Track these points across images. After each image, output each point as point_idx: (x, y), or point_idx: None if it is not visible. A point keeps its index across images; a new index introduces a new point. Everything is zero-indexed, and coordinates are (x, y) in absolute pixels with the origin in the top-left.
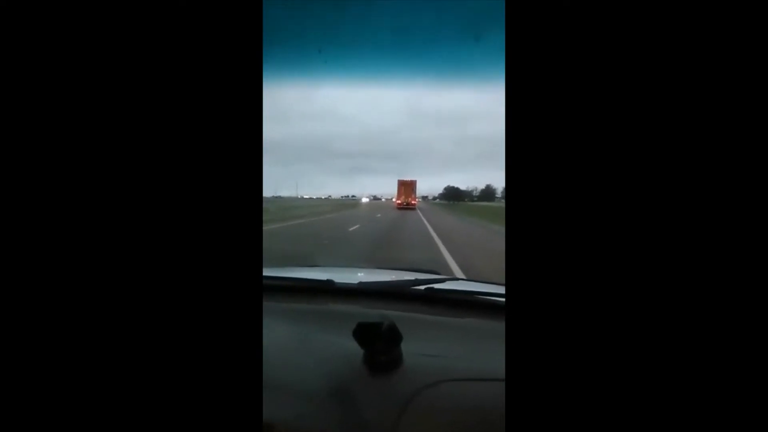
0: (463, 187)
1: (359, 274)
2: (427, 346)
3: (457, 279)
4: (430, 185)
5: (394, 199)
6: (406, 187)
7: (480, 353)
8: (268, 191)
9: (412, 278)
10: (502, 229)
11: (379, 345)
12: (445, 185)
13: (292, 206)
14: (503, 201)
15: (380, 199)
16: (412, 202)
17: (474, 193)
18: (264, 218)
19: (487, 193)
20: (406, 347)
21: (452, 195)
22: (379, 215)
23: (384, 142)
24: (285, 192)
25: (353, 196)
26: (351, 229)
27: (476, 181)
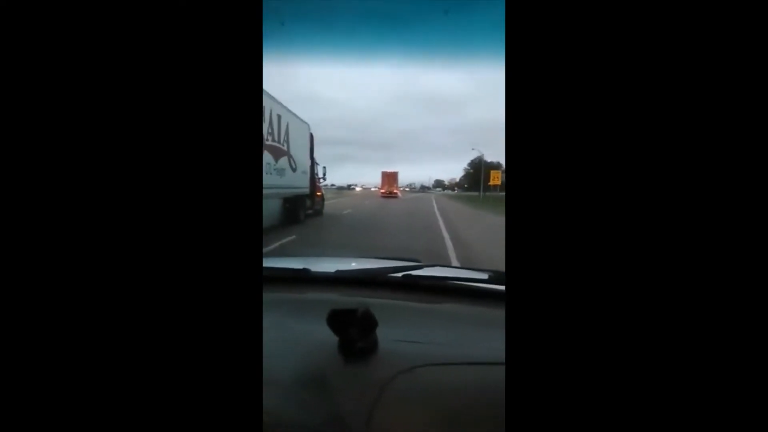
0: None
1: (337, 263)
2: (404, 332)
3: (435, 266)
4: (433, 171)
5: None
6: (390, 178)
7: (457, 338)
8: None
9: (390, 266)
10: None
11: (354, 331)
12: (471, 160)
13: None
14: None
15: (355, 188)
16: (395, 191)
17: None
18: None
19: None
20: (383, 334)
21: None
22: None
23: (368, 129)
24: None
25: (332, 185)
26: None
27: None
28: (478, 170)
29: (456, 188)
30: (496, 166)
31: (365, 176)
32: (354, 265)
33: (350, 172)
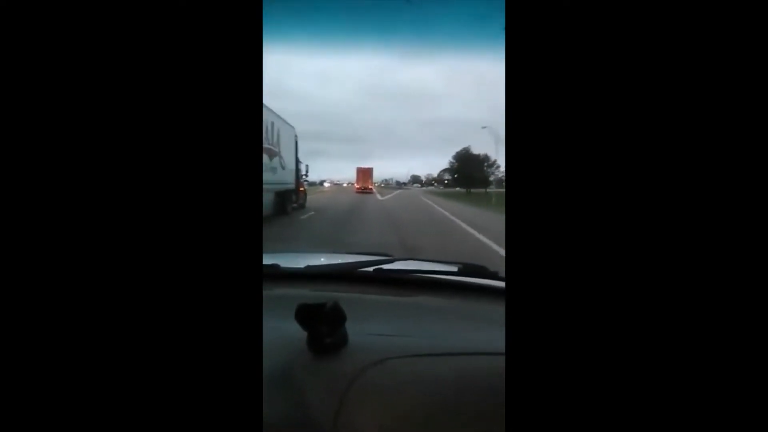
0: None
1: (307, 259)
2: (375, 326)
3: (407, 259)
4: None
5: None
6: (364, 174)
7: (429, 330)
8: None
9: (361, 260)
10: None
11: (323, 326)
12: (457, 152)
13: None
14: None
15: (324, 184)
16: (369, 186)
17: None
18: None
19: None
20: (353, 328)
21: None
22: None
23: (340, 123)
24: None
25: (306, 180)
26: None
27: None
28: (466, 163)
29: (435, 184)
30: (483, 158)
31: (338, 171)
32: (324, 260)
33: (322, 167)
